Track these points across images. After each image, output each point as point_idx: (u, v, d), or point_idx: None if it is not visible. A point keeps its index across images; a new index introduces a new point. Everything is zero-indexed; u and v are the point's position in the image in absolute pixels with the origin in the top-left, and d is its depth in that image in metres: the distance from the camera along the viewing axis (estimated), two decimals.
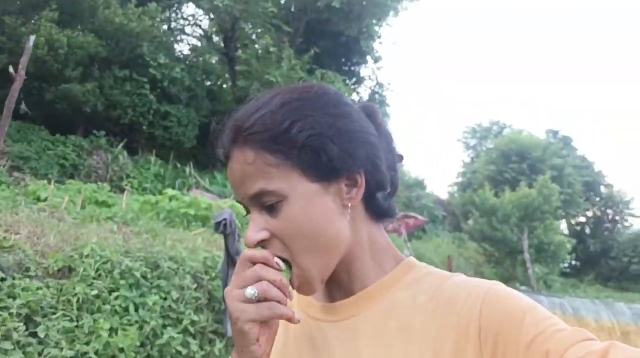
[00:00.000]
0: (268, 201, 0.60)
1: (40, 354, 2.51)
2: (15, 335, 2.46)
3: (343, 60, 17.10)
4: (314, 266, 0.62)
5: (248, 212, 0.64)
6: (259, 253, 0.60)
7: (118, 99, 11.19)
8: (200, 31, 16.24)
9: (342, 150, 0.61)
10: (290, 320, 0.59)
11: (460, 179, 25.60)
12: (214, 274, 4.18)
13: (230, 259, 3.90)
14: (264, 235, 0.61)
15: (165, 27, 14.61)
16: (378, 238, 0.68)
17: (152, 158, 11.71)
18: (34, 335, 2.58)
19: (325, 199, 0.61)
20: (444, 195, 24.25)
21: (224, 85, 15.69)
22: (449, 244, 15.47)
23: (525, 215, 14.75)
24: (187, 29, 15.97)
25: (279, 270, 0.59)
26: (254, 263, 0.59)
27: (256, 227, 0.61)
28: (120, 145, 11.31)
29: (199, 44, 16.15)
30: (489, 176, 19.70)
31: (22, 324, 2.53)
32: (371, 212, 0.68)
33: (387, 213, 0.70)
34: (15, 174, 9.96)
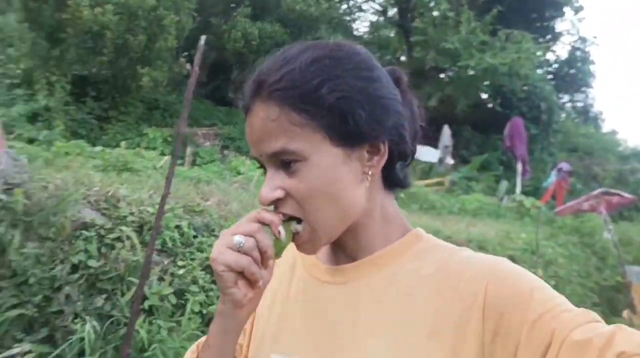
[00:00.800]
0: (287, 160, 0.59)
1: (217, 298, 3.06)
2: (200, 281, 3.04)
3: (534, 15, 15.14)
4: (324, 228, 0.61)
5: (262, 167, 0.64)
6: (269, 215, 0.59)
7: None
8: (377, 6, 16.39)
9: (370, 117, 0.59)
10: (256, 282, 0.59)
11: None
12: None
13: None
14: (279, 194, 0.60)
15: (344, 6, 15.18)
16: (389, 207, 0.67)
17: None
18: (214, 282, 3.14)
19: (346, 165, 0.60)
20: None
21: (402, 58, 15.62)
22: None
23: None
24: (364, 6, 16.30)
25: (278, 238, 0.59)
26: (259, 222, 0.59)
27: (272, 185, 0.60)
28: None
29: (375, 19, 16.34)
30: None
31: (205, 273, 3.10)
32: (387, 181, 0.66)
33: (402, 184, 0.68)
34: (225, 152, 11.92)
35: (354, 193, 0.61)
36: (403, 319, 0.59)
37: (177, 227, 3.27)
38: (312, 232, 0.61)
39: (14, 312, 2.31)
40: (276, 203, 0.61)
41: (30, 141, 6.99)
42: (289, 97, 0.57)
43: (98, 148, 6.77)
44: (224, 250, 0.57)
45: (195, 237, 3.33)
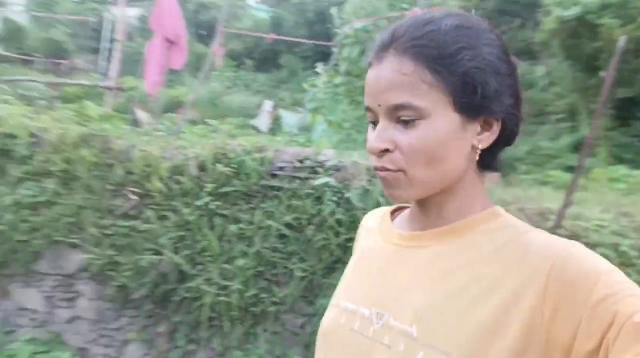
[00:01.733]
0: (407, 116, 0.61)
1: None
2: None
3: None
4: (421, 184, 0.63)
5: (370, 119, 0.66)
6: None
7: None
8: None
9: (497, 92, 0.61)
10: None
11: None
12: None
13: None
14: (390, 146, 0.62)
15: None
16: (477, 185, 0.68)
17: None
18: None
19: (460, 133, 0.62)
20: None
21: None
22: None
23: None
24: None
25: None
26: None
27: (384, 137, 0.62)
28: None
29: None
30: None
31: None
32: (483, 161, 0.66)
33: (494, 168, 0.69)
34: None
35: (458, 162, 0.63)
36: (458, 286, 0.61)
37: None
38: (410, 180, 0.63)
39: None
40: (381, 155, 0.63)
41: (569, 168, 6.31)
42: (427, 55, 0.60)
43: (624, 171, 5.97)
44: None
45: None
